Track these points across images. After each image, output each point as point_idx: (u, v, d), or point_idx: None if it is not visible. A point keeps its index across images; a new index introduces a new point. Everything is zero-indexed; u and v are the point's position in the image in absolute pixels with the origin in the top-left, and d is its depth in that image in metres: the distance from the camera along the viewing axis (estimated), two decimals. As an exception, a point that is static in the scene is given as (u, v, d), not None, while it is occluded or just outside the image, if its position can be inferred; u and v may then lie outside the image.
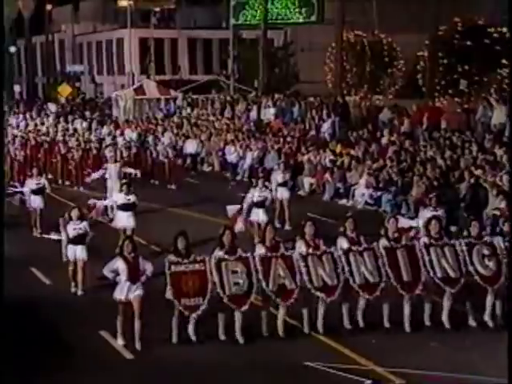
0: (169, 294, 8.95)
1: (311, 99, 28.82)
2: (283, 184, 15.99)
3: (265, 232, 9.61)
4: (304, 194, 20.23)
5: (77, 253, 11.25)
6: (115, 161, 18.14)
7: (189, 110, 32.20)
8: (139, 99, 33.59)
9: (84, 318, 10.29)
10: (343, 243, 9.71)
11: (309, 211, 15.70)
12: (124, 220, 13.23)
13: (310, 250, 9.43)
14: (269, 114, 27.95)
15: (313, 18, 36.19)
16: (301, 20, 36.57)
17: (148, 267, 9.20)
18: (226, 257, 9.12)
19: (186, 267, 8.94)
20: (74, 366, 8.74)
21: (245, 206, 13.60)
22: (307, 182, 20.47)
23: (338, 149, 21.53)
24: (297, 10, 36.21)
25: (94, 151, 23.38)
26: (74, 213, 11.30)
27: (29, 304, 10.81)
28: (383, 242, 9.66)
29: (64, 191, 20.66)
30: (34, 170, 15.75)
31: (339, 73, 29.59)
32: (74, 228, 11.23)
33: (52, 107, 36.67)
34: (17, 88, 49.55)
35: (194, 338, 9.11)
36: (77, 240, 11.25)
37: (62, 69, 49.71)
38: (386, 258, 9.44)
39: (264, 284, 9.11)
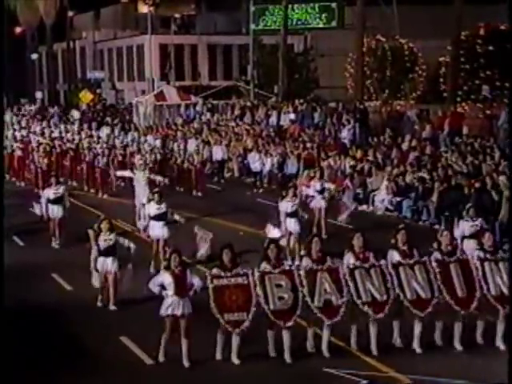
0: (212, 309, 8.61)
1: (331, 105, 28.87)
2: (320, 192, 15.57)
3: (310, 244, 9.19)
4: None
5: (107, 265, 10.91)
6: (144, 168, 17.78)
7: (208, 115, 32.32)
8: (159, 105, 33.85)
9: (105, 323, 10.32)
10: (394, 256, 9.22)
11: (329, 218, 15.74)
12: (157, 230, 12.77)
13: (358, 263, 9.01)
14: (288, 119, 27.97)
15: (333, 24, 36.27)
16: (321, 25, 36.65)
17: (196, 281, 8.85)
18: (270, 270, 8.79)
19: (229, 281, 8.64)
20: (94, 371, 8.80)
21: (282, 218, 13.29)
22: (327, 187, 20.47)
23: (358, 154, 21.51)
24: (317, 15, 36.30)
25: (120, 158, 23.47)
26: (104, 224, 10.98)
27: (50, 310, 10.90)
28: (436, 255, 9.19)
29: (89, 199, 20.54)
30: (53, 179, 15.33)
31: (359, 78, 29.59)
32: (104, 239, 10.93)
33: (76, 114, 36.94)
34: (39, 95, 50.23)
35: (236, 358, 8.71)
36: (107, 252, 10.93)
37: (83, 75, 50.28)
38: (438, 272, 8.96)
39: (309, 299, 8.71)
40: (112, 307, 10.83)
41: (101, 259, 10.92)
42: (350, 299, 8.83)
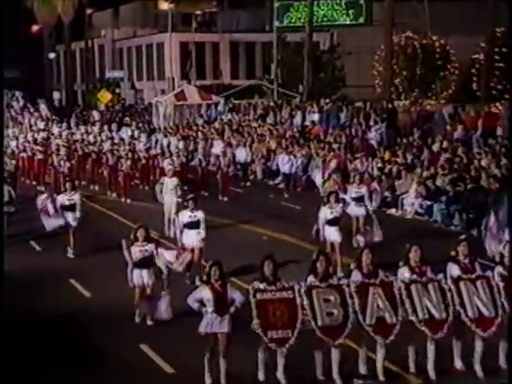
0: (255, 325, 8.21)
1: (358, 104, 28.76)
2: (358, 199, 15.04)
3: (361, 256, 8.80)
4: None
5: (143, 278, 10.46)
6: (173, 174, 16.92)
7: (230, 115, 32.40)
8: (180, 105, 34.04)
9: (125, 331, 10.29)
10: (454, 270, 8.77)
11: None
12: (191, 239, 12.34)
13: (414, 277, 8.58)
14: (313, 119, 27.93)
15: (360, 20, 36.13)
16: (348, 22, 36.53)
17: (237, 297, 8.46)
18: (318, 284, 8.44)
19: (273, 295, 8.26)
20: (113, 380, 8.83)
21: (320, 225, 13.01)
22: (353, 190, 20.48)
23: (387, 156, 21.44)
24: (344, 11, 36.19)
25: (143, 161, 23.42)
26: (140, 233, 10.46)
27: (67, 317, 10.90)
28: (498, 269, 8.85)
29: (111, 203, 20.45)
30: (68, 185, 14.86)
31: (388, 77, 29.46)
32: (139, 250, 10.43)
33: (96, 115, 37.14)
34: (56, 95, 50.78)
35: (283, 379, 8.34)
36: (143, 263, 10.45)
37: (102, 75, 50.74)
38: (502, 287, 8.56)
39: (360, 317, 8.32)
40: (149, 322, 10.46)
41: (136, 272, 10.45)
42: (405, 317, 8.39)
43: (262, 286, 8.32)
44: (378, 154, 22.05)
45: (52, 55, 51.60)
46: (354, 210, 14.91)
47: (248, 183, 24.11)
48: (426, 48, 32.49)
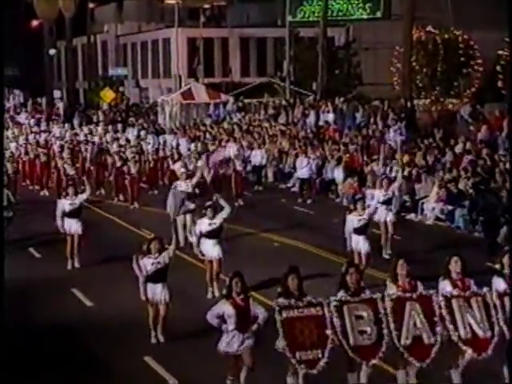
0: (280, 345, 7.88)
1: (375, 103, 28.73)
2: (386, 202, 14.86)
3: (395, 267, 8.48)
4: None
5: (157, 293, 10.13)
6: (187, 178, 16.49)
7: (240, 115, 32.44)
8: (187, 104, 34.14)
9: (128, 342, 10.31)
10: (499, 284, 8.46)
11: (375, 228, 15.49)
12: (209, 250, 12.14)
13: (456, 292, 8.22)
14: (328, 119, 27.90)
15: (378, 14, 36.09)
16: (365, 16, 36.50)
17: (260, 313, 8.16)
18: (349, 298, 8.12)
19: (301, 312, 7.89)
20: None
21: (347, 234, 12.90)
22: (370, 194, 20.15)
23: (406, 158, 21.40)
24: (360, 5, 36.16)
25: (151, 164, 23.33)
26: (154, 245, 10.19)
27: (69, 327, 10.92)
28: (497, 282, 8.61)
29: (118, 209, 20.33)
30: (71, 189, 14.61)
31: (407, 74, 29.39)
32: (152, 263, 10.13)
33: (101, 115, 37.23)
34: (57, 94, 51.04)
35: None
36: (156, 277, 10.11)
37: (105, 72, 50.99)
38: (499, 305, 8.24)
39: (395, 336, 7.93)
40: (161, 339, 10.27)
41: (149, 287, 10.11)
42: (446, 336, 8.00)
43: (287, 302, 7.98)
44: (396, 155, 21.94)
45: (52, 52, 51.82)
46: (383, 214, 14.70)
47: (260, 187, 24.03)
48: (448, 43, 32.42)
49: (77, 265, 14.17)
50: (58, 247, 15.11)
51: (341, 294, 8.23)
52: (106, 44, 52.74)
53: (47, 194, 22.88)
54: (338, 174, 22.02)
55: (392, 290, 8.42)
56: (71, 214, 14.15)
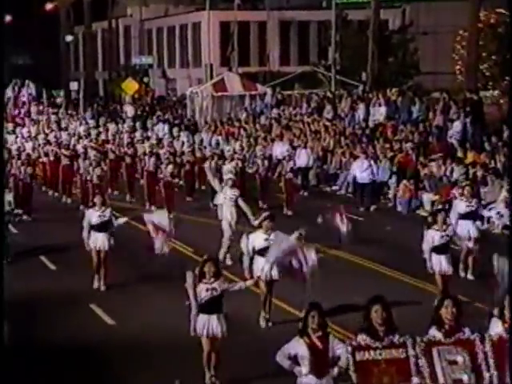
0: None
1: (435, 95, 28.46)
2: (467, 216, 14.41)
3: (502, 301, 8.09)
4: (425, 213, 19.85)
5: (212, 326, 9.53)
6: (233, 184, 15.91)
7: (278, 109, 32.29)
8: (219, 96, 34.18)
9: (153, 364, 10.31)
10: None
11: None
12: (265, 270, 11.57)
13: None
14: (379, 113, 27.67)
15: (439, -7, 35.78)
16: (423, -5, 36.24)
17: (342, 353, 7.66)
18: (440, 339, 7.51)
19: (379, 354, 7.41)
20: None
21: (426, 253, 12.53)
22: (428, 199, 20.22)
23: (470, 158, 21.21)
24: (418, -18, 35.90)
25: (187, 167, 22.86)
26: (209, 267, 9.57)
27: (88, 347, 10.94)
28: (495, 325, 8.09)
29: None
30: (98, 198, 14.15)
31: (473, 62, 29.00)
32: (206, 289, 9.52)
33: (129, 110, 37.30)
34: (74, 85, 51.50)
35: None
36: (211, 307, 9.54)
37: (127, 61, 51.48)
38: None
39: None
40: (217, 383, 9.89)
41: (203, 318, 9.52)
42: None
43: (363, 340, 7.46)
44: (459, 154, 21.66)
45: (69, 38, 52.40)
46: (465, 229, 14.28)
47: (306, 193, 23.48)
48: (520, 27, 31.87)
49: (102, 287, 13.77)
50: (74, 257, 15.18)
51: (432, 332, 7.65)
52: (128, 29, 53.26)
53: (69, 201, 22.59)
54: (391, 175, 21.80)
55: (498, 327, 7.91)
56: (99, 228, 13.77)
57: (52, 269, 15.36)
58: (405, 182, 21.12)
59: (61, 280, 14.36)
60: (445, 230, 12.54)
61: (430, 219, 13.06)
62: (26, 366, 9.91)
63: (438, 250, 12.42)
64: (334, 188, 24.25)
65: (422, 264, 12.79)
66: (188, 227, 18.14)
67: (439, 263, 12.39)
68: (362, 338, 7.52)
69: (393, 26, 40.21)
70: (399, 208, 21.00)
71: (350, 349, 7.36)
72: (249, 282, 10.37)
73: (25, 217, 19.91)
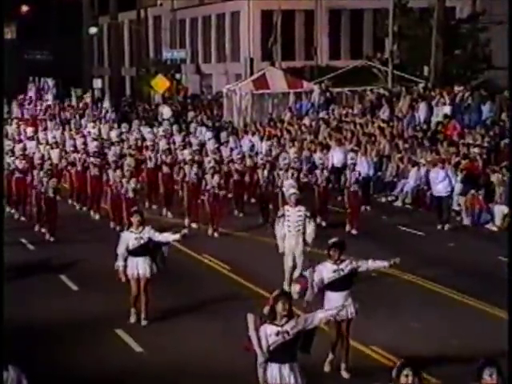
0: None
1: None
2: None
3: None
4: (495, 228, 19.84)
5: (283, 376, 8.61)
6: (297, 202, 14.79)
7: (327, 108, 32.17)
8: (260, 94, 34.30)
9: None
10: None
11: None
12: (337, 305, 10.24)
13: None
14: (444, 114, 27.44)
15: (515, -24, 35.28)
16: (497, -21, 35.88)
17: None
18: None
19: None
20: None
21: None
22: (500, 211, 20.13)
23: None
24: (491, -36, 35.59)
25: (236, 176, 22.36)
26: (281, 304, 8.56)
27: (113, 377, 11.09)
28: None
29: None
30: (136, 217, 13.35)
31: (554, 54, 28.47)
32: (276, 332, 8.58)
33: (166, 112, 37.27)
34: (97, 83, 52.05)
35: None
36: (283, 354, 8.63)
37: (157, 56, 51.76)
38: None
39: None
40: None
41: (274, 368, 8.63)
42: None
43: None
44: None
45: (93, 30, 53.01)
46: None
47: (368, 206, 22.73)
48: None
49: (143, 321, 13.18)
50: (97, 277, 15.40)
51: None
52: (159, 20, 53.65)
53: (97, 217, 22.15)
54: (457, 183, 21.47)
55: None
56: (137, 252, 13.19)
57: (74, 290, 15.45)
58: (473, 191, 20.85)
59: (83, 302, 14.42)
60: None
61: None
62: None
63: None
64: (390, 199, 24.08)
65: (490, 286, 12.45)
66: (242, 248, 18.12)
67: None
68: None
69: (460, 14, 40.02)
70: (465, 221, 20.69)
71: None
72: (323, 318, 9.24)
73: (47, 236, 19.64)
